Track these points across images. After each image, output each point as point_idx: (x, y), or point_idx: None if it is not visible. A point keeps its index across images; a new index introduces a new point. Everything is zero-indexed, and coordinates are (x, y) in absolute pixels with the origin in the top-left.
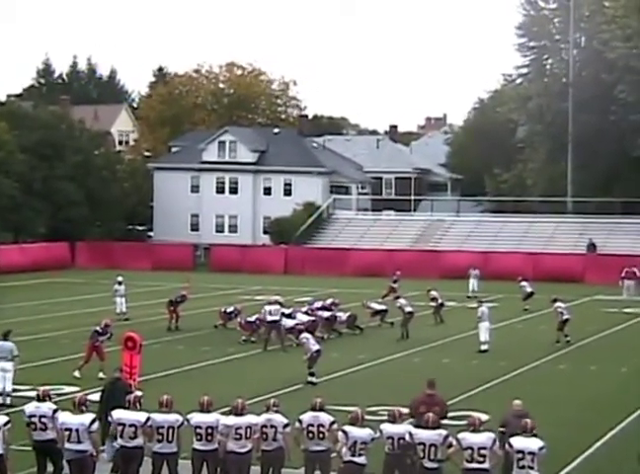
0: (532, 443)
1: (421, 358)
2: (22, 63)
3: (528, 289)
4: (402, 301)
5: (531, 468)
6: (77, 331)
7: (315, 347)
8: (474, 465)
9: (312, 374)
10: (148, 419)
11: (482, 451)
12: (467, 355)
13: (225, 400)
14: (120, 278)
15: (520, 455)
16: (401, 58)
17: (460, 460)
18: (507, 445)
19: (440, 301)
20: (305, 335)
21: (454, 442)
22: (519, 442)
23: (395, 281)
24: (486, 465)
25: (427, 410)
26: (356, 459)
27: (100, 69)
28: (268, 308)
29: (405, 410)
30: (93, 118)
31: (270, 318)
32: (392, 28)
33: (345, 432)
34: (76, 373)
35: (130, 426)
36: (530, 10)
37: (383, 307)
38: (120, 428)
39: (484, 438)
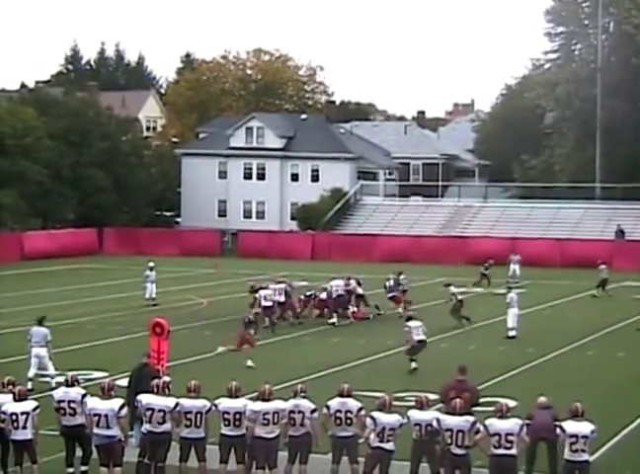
0: (585, 427)
1: (448, 345)
2: (50, 50)
3: (604, 276)
4: (453, 289)
5: (584, 451)
6: (104, 317)
7: (418, 337)
8: (501, 451)
9: (413, 360)
10: (177, 404)
11: (509, 437)
12: (494, 342)
13: (253, 386)
14: (151, 264)
15: (573, 439)
16: (429, 44)
17: (488, 446)
18: (559, 430)
19: (459, 298)
20: (409, 323)
21: (482, 429)
22: (572, 427)
23: (487, 269)
24: (513, 451)
25: (456, 396)
26: (383, 445)
27: (127, 55)
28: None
29: (432, 396)
30: (121, 105)
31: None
32: (421, 13)
33: (373, 418)
34: (249, 362)
35: (159, 411)
36: None
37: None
38: (148, 413)
39: (511, 424)
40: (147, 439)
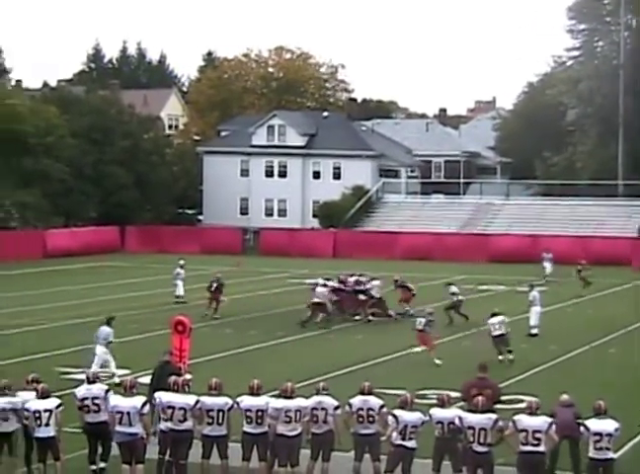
0: (609, 425)
1: (470, 342)
2: (72, 49)
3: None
4: (454, 289)
5: (608, 449)
6: (125, 314)
7: (495, 332)
8: (529, 448)
9: (510, 351)
10: (197, 401)
11: (537, 434)
12: (517, 339)
13: (274, 383)
14: (181, 262)
15: (597, 437)
16: (451, 41)
17: (516, 443)
18: (582, 428)
19: (460, 298)
20: (490, 320)
21: (510, 424)
22: (596, 425)
23: (580, 271)
24: (541, 448)
25: (478, 393)
26: (406, 443)
27: (149, 54)
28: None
29: (454, 394)
30: (142, 103)
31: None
32: (442, 10)
33: (395, 416)
34: (437, 361)
35: (180, 409)
36: None
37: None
38: (169, 411)
39: (540, 422)
40: (169, 437)
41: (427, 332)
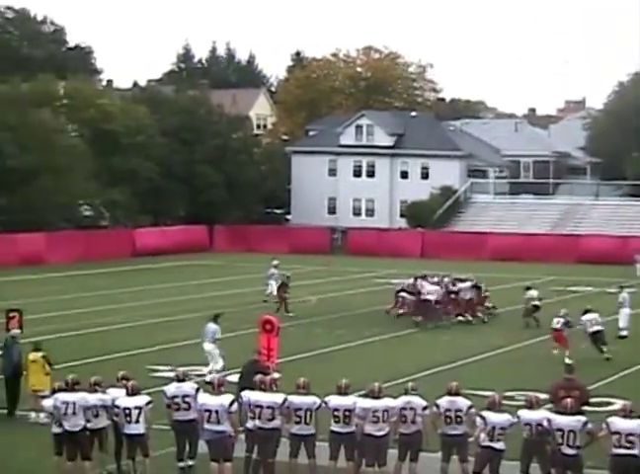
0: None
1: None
2: (162, 49)
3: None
4: (532, 293)
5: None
6: (215, 313)
7: (591, 329)
8: (621, 451)
9: (602, 351)
10: (285, 400)
11: (630, 437)
12: (607, 341)
13: (362, 383)
14: (275, 262)
15: (617, 436)
16: (540, 41)
17: (609, 445)
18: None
19: (536, 303)
20: (583, 317)
21: (603, 426)
22: (620, 424)
23: None
24: (635, 451)
25: (566, 395)
26: (494, 445)
27: (238, 54)
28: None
29: (543, 395)
30: (231, 103)
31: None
32: (531, 9)
33: (483, 417)
34: (567, 360)
35: (268, 407)
36: None
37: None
38: (257, 410)
39: (634, 425)
40: (256, 436)
41: (563, 330)
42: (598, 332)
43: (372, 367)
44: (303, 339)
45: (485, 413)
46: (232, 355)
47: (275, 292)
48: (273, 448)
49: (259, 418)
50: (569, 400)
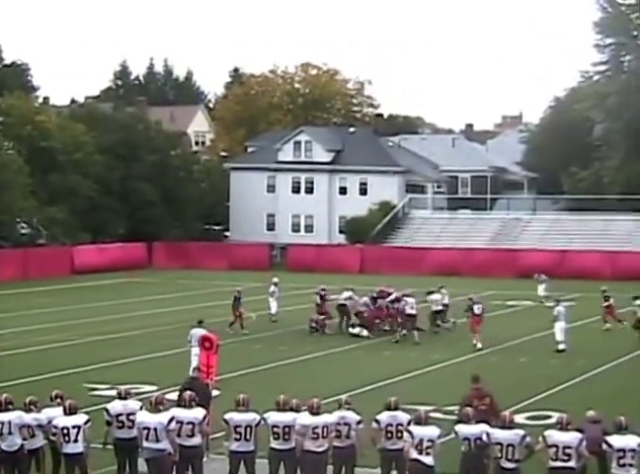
0: (632, 441)
1: (498, 358)
2: (99, 65)
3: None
4: (433, 297)
5: (632, 466)
6: (152, 331)
7: (435, 307)
8: (558, 463)
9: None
10: (205, 417)
11: (567, 450)
12: (545, 355)
13: (301, 399)
14: (275, 280)
15: (620, 454)
16: (477, 57)
17: (546, 458)
18: (605, 445)
19: (438, 308)
20: (431, 296)
21: (540, 440)
22: (618, 441)
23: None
24: (572, 463)
25: (479, 404)
26: (422, 458)
27: (176, 71)
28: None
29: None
30: (169, 120)
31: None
32: (468, 26)
33: (409, 431)
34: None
35: (188, 423)
36: (608, 7)
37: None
38: (177, 426)
39: (570, 437)
40: (179, 453)
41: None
42: (439, 311)
43: (312, 383)
44: (245, 355)
45: (411, 427)
46: (173, 373)
47: (274, 310)
48: (198, 465)
49: (179, 435)
50: (469, 409)
